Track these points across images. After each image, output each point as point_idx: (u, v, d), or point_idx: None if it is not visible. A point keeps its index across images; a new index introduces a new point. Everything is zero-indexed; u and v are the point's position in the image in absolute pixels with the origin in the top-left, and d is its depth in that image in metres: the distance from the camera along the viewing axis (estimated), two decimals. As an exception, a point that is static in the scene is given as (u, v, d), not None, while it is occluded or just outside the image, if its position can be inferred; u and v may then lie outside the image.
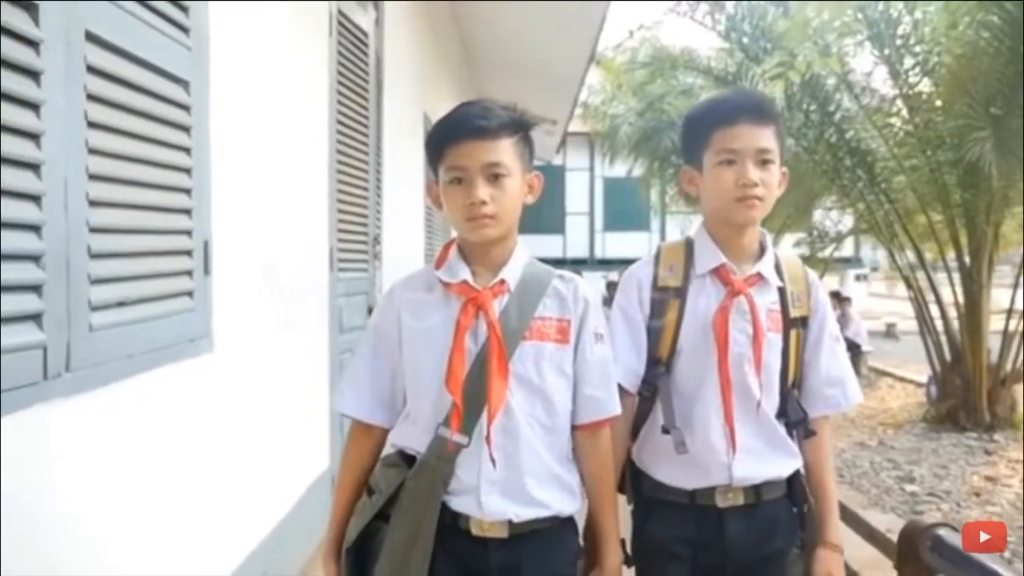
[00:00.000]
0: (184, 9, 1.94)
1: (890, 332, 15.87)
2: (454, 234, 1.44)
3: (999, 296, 7.63)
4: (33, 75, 1.34)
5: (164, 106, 1.84)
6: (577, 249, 21.17)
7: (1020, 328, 6.87)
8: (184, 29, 1.95)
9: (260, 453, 2.63)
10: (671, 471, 1.53)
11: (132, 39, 1.68)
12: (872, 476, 5.68)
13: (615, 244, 21.10)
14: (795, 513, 1.56)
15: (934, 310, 7.33)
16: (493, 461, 1.31)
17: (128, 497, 1.74)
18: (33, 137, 1.34)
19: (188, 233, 1.99)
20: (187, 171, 1.97)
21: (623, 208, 19.80)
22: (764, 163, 1.46)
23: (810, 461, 1.58)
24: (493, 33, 8.51)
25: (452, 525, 1.33)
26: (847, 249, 17.38)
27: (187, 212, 1.98)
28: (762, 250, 1.56)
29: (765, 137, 1.46)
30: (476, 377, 1.31)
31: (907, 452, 6.34)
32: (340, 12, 3.59)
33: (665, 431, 1.49)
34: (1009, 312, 7.02)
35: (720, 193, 1.48)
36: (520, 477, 1.33)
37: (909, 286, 7.47)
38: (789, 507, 1.56)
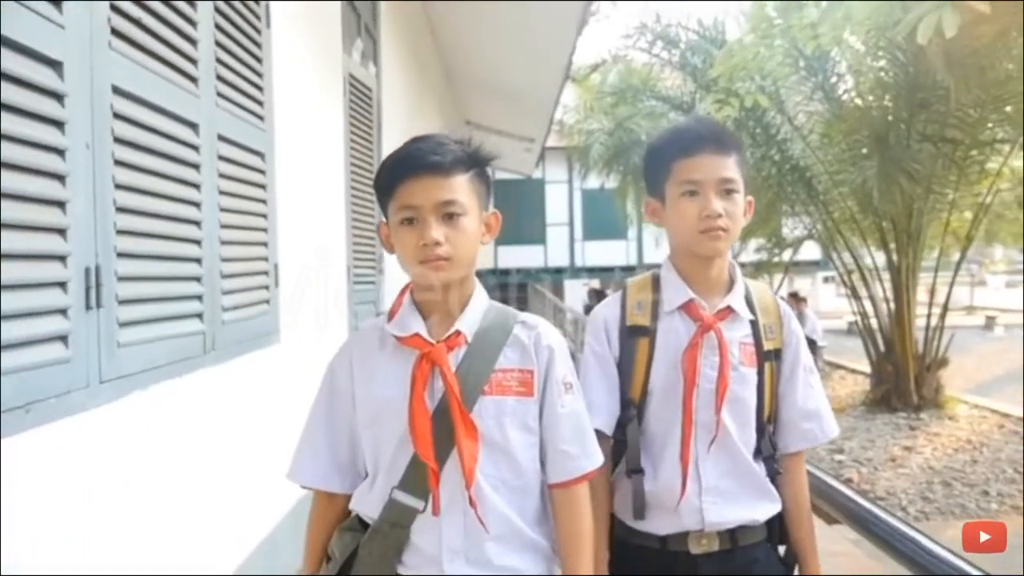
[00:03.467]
0: (261, 103, 2.80)
1: (851, 329, 16.88)
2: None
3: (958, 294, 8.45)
4: (195, 167, 2.18)
5: (252, 173, 2.68)
6: (558, 258, 21.81)
7: (941, 323, 7.83)
8: (261, 117, 2.80)
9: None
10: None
11: (239, 133, 2.52)
12: (808, 451, 6.51)
13: (594, 252, 21.79)
14: (775, 554, 1.52)
15: (868, 306, 8.28)
16: (483, 523, 1.22)
17: (238, 439, 2.58)
18: (197, 205, 2.19)
19: (265, 259, 2.83)
20: (264, 215, 2.81)
21: (601, 218, 20.38)
22: (728, 193, 1.41)
23: (788, 499, 1.51)
24: (473, 62, 9.30)
25: None
26: (815, 252, 18.34)
27: (264, 244, 2.82)
28: (731, 282, 1.50)
29: (727, 167, 1.41)
30: (434, 438, 1.21)
31: (843, 430, 7.20)
32: (351, 75, 4.44)
33: (628, 475, 1.44)
34: (930, 306, 7.96)
35: (684, 225, 1.43)
36: (484, 543, 1.24)
37: (846, 285, 8.41)
38: (768, 548, 1.50)
